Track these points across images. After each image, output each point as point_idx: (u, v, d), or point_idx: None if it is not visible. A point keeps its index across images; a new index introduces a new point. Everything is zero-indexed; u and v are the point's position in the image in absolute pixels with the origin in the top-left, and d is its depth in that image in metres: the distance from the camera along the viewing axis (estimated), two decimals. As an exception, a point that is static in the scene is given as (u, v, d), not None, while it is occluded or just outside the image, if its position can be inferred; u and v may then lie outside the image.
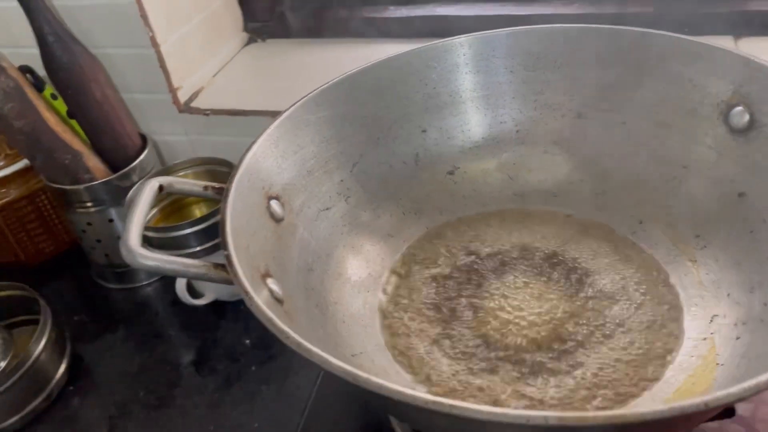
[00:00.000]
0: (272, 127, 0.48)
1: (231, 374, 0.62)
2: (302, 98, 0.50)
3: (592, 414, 0.24)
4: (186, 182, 0.44)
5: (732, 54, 0.46)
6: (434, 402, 0.26)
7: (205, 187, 0.43)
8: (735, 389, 0.26)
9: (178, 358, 0.64)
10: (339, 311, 0.47)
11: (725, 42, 0.70)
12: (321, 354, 0.30)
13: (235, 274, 0.35)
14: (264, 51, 0.84)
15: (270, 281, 0.39)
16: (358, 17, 0.83)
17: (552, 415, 0.25)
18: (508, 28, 0.54)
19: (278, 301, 0.39)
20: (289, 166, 0.49)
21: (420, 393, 0.27)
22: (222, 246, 0.37)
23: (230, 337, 0.65)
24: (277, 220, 0.46)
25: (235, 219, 0.40)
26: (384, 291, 0.51)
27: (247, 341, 0.65)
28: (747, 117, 0.46)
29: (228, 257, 0.36)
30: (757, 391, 0.26)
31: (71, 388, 0.62)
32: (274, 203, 0.46)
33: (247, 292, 0.34)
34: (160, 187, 0.42)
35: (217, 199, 0.43)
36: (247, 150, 0.45)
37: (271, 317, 0.32)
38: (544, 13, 0.77)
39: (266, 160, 0.46)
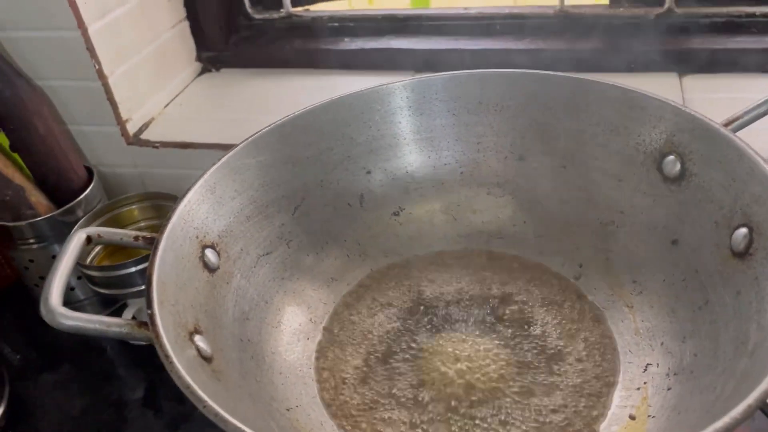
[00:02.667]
0: (209, 172, 0.47)
1: (177, 416, 0.60)
2: (241, 142, 0.50)
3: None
4: (116, 232, 0.43)
5: (665, 104, 0.47)
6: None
7: (136, 238, 0.42)
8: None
9: (124, 400, 0.62)
10: (276, 362, 0.46)
11: (670, 79, 0.72)
12: (237, 425, 0.29)
13: (157, 336, 0.34)
14: (217, 81, 0.84)
15: (198, 338, 0.39)
16: (313, 48, 0.83)
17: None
18: (449, 72, 0.55)
19: (206, 359, 0.38)
20: (227, 213, 0.48)
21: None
22: (146, 304, 0.36)
23: (177, 376, 0.64)
24: (211, 269, 0.45)
25: (163, 273, 0.39)
26: (324, 337, 0.51)
27: (194, 380, 0.63)
28: (678, 166, 0.47)
29: (151, 317, 0.35)
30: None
31: (10, 432, 0.60)
32: (209, 252, 0.45)
33: (167, 356, 0.33)
34: (88, 239, 0.41)
35: (147, 251, 0.42)
36: (181, 198, 0.44)
37: (189, 384, 0.31)
38: (494, 48, 0.77)
39: (201, 207, 0.46)
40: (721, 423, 0.27)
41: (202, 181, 0.46)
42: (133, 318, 0.65)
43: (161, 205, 0.69)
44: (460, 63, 0.77)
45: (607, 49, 0.74)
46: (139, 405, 0.62)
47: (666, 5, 0.73)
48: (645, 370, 0.44)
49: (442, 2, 1.11)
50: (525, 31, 0.78)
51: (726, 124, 0.44)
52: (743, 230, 0.41)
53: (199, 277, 0.43)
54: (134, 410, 0.61)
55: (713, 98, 0.68)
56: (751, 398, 0.27)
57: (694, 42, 0.73)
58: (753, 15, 0.73)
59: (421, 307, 0.53)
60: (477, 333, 0.49)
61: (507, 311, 0.51)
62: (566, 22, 0.77)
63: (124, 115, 0.72)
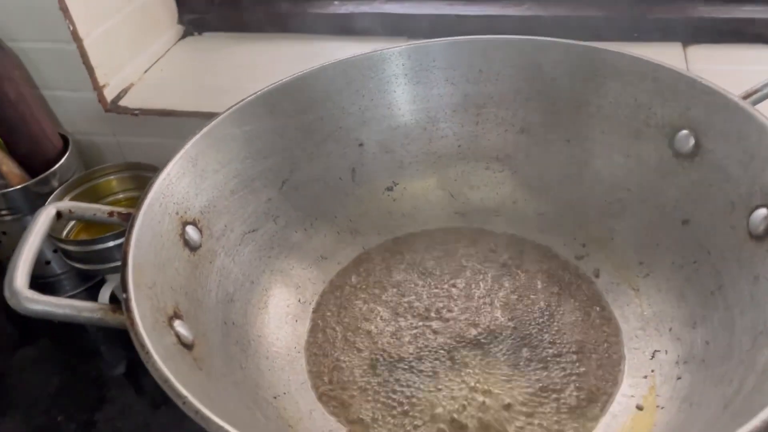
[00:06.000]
0: (190, 143, 0.44)
1: (158, 395, 0.58)
2: (225, 111, 0.47)
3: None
4: (89, 207, 0.40)
5: (679, 75, 0.44)
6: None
7: (110, 213, 0.39)
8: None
9: (103, 377, 0.60)
10: (262, 346, 0.44)
11: (674, 49, 0.70)
12: (219, 424, 0.26)
13: (132, 323, 0.31)
14: (200, 45, 0.81)
15: (178, 324, 0.36)
16: (301, 12, 0.80)
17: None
18: (448, 38, 0.52)
19: (186, 346, 0.35)
20: (209, 187, 0.45)
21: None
22: (121, 288, 0.33)
23: (159, 353, 0.62)
24: (192, 248, 0.42)
25: (140, 253, 0.36)
26: (314, 319, 0.49)
27: (178, 358, 0.61)
28: (692, 141, 0.44)
29: (126, 302, 0.32)
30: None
31: (-16, 409, 0.57)
32: (190, 229, 0.42)
33: (143, 346, 0.30)
34: (59, 214, 0.38)
35: (123, 227, 0.39)
36: (160, 171, 0.41)
37: (167, 378, 0.29)
38: (491, 14, 0.75)
39: (182, 181, 0.43)
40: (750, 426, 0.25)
41: (183, 153, 0.43)
42: (113, 295, 0.63)
43: (141, 175, 0.67)
44: (454, 29, 0.73)
45: (610, 17, 0.71)
46: (119, 383, 0.59)
47: (673, -28, 0.71)
48: (652, 357, 0.42)
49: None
50: (524, -3, 0.75)
51: (744, 97, 0.42)
52: (763, 211, 0.38)
53: (179, 257, 0.40)
54: (114, 388, 0.59)
55: (719, 70, 0.66)
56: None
57: (700, 11, 0.71)
58: (762, -17, 0.71)
59: (414, 287, 0.50)
60: (472, 320, 0.47)
61: (504, 298, 0.49)
62: (567, -12, 0.74)
63: (101, 80, 0.69)
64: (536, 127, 0.52)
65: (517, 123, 0.53)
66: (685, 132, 0.45)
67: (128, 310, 0.32)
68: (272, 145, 0.50)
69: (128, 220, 0.39)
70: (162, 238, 0.39)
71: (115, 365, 0.61)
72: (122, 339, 0.62)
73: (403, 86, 0.53)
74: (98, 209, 0.39)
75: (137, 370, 0.59)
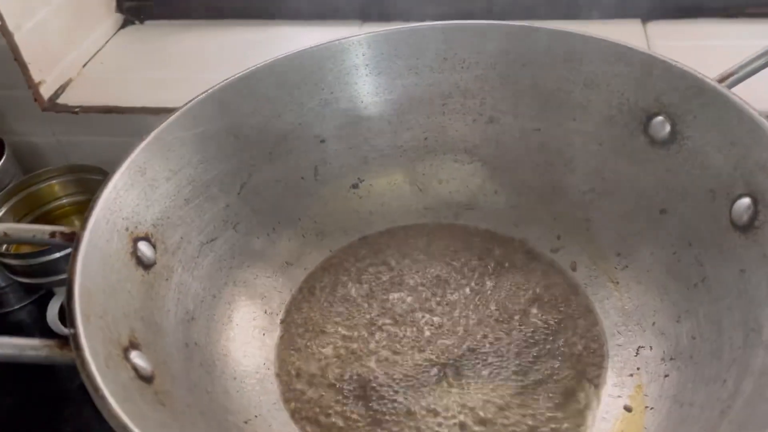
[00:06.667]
0: (136, 151, 0.40)
1: None
2: (174, 113, 0.43)
3: None
4: (26, 229, 0.36)
5: (653, 58, 0.43)
6: None
7: (52, 234, 0.35)
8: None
9: (59, 396, 0.57)
10: (229, 365, 0.41)
11: (633, 26, 0.69)
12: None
13: (83, 362, 0.28)
14: (142, 35, 0.78)
15: (134, 355, 0.33)
16: (251, -5, 0.77)
17: None
18: (410, 25, 0.49)
19: (145, 380, 0.32)
20: (161, 197, 0.42)
21: None
22: (68, 321, 0.30)
23: (117, 368, 0.58)
24: (146, 266, 0.39)
25: (88, 279, 0.33)
26: (283, 332, 0.46)
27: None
28: (668, 128, 0.43)
29: (75, 337, 0.29)
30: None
31: None
32: (142, 245, 0.39)
33: (96, 389, 0.27)
34: (-8, 239, 0.34)
35: (67, 247, 0.35)
36: (105, 184, 0.38)
37: (126, 425, 0.25)
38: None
39: (130, 193, 0.39)
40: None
41: (129, 162, 0.40)
42: (62, 308, 0.59)
43: (86, 178, 0.64)
44: (416, 15, 0.71)
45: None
46: (77, 398, 0.56)
47: (629, -56, 0.69)
48: (637, 353, 0.41)
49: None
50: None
51: (720, 80, 0.40)
52: (746, 201, 0.37)
53: (132, 278, 0.37)
54: (72, 405, 0.56)
55: (680, 46, 0.65)
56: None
57: (658, -16, 0.70)
58: (720, -45, 0.70)
59: (387, 292, 0.48)
60: (449, 325, 0.45)
61: (480, 297, 0.47)
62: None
63: (36, 77, 0.65)
64: (505, 116, 0.50)
65: (486, 112, 0.51)
66: (660, 118, 0.43)
67: (78, 348, 0.29)
68: (227, 147, 0.47)
69: (73, 240, 0.35)
70: (111, 258, 0.36)
71: (71, 379, 0.58)
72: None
73: (364, 77, 0.50)
74: (38, 230, 0.36)
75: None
